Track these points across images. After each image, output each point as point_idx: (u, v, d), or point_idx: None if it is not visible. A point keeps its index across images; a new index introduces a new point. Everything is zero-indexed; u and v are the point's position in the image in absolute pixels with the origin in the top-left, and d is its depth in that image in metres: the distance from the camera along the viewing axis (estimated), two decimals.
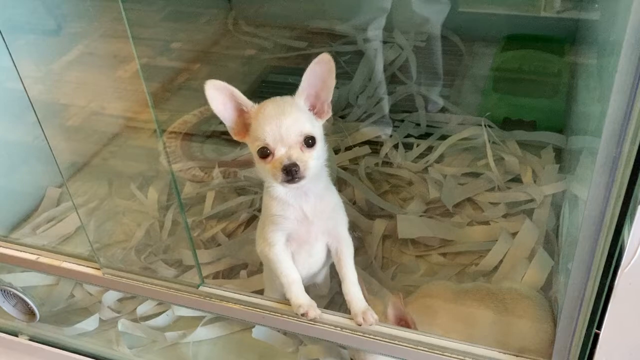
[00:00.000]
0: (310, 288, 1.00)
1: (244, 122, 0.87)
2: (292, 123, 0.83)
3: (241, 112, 0.87)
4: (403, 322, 0.91)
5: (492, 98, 1.63)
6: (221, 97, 0.87)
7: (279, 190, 0.90)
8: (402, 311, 0.91)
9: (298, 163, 0.82)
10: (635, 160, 0.55)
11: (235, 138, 0.89)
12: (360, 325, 0.88)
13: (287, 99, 0.88)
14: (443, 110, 1.67)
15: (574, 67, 1.67)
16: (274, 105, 0.86)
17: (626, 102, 0.53)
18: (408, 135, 1.60)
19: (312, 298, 0.92)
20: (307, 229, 0.93)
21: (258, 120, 0.84)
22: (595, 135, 1.10)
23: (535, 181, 1.40)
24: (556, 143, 1.50)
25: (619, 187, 0.57)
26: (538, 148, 1.50)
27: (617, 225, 0.59)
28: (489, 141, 1.46)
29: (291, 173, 0.82)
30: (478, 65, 1.88)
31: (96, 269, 1.01)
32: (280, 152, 0.83)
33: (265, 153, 0.84)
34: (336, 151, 1.53)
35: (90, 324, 1.19)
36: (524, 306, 1.03)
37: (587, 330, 0.69)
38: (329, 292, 1.11)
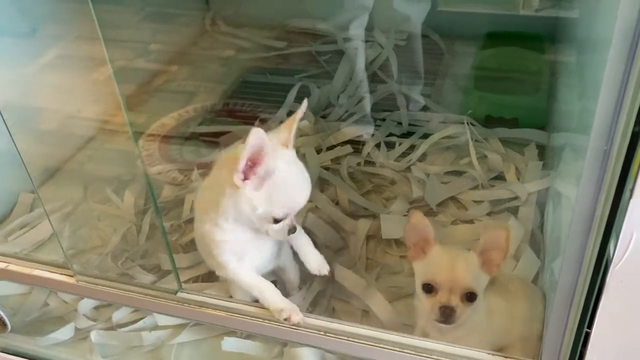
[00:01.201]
0: (282, 286, 0.99)
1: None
2: None
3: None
4: (423, 240, 0.90)
5: (474, 96, 1.62)
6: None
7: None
8: (423, 224, 0.90)
9: None
10: (627, 153, 0.53)
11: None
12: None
13: None
14: (425, 108, 1.66)
15: (555, 63, 1.67)
16: None
17: (616, 95, 0.52)
18: (390, 134, 1.58)
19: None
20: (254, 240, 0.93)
21: None
22: (579, 131, 1.09)
23: (518, 178, 1.39)
24: (539, 140, 1.49)
25: (610, 181, 0.55)
26: (521, 145, 1.49)
27: (608, 222, 0.58)
28: (472, 139, 1.45)
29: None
30: (459, 63, 1.87)
31: (69, 276, 0.97)
32: None
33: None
34: (318, 151, 1.51)
35: (65, 333, 1.15)
36: (528, 291, 1.03)
37: (577, 329, 0.67)
38: (300, 284, 1.11)
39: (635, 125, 0.51)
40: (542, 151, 1.47)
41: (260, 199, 0.84)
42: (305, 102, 0.90)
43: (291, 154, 0.89)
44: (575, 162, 1.08)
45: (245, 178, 0.83)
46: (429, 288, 0.87)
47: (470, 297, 0.85)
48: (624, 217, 0.56)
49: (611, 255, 0.60)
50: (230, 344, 1.06)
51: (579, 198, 0.58)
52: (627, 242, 0.57)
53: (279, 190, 0.84)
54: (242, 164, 0.81)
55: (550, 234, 1.17)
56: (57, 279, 0.97)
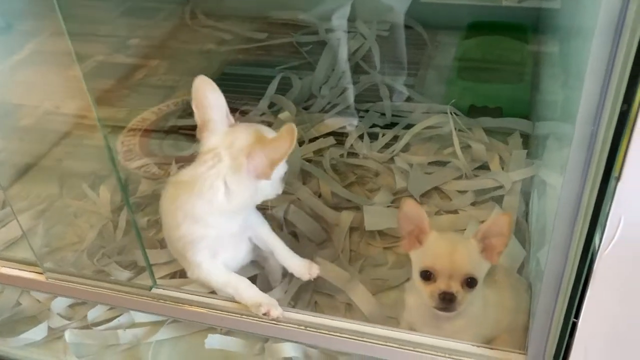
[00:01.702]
0: (264, 279, 0.96)
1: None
2: None
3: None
4: (418, 229, 0.87)
5: (457, 86, 1.60)
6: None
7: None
8: (417, 212, 0.87)
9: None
10: (614, 134, 0.51)
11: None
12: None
13: None
14: (408, 99, 1.64)
15: (539, 53, 1.66)
16: None
17: (603, 74, 0.49)
18: (373, 125, 1.56)
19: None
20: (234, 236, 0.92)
21: None
22: (563, 120, 1.07)
23: (503, 168, 1.38)
24: (523, 129, 1.48)
25: (597, 163, 0.52)
26: (505, 135, 1.48)
27: (595, 206, 0.55)
28: (455, 129, 1.43)
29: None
30: (442, 53, 1.85)
31: (39, 273, 0.93)
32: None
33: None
34: (300, 143, 1.48)
35: (38, 333, 1.11)
36: (514, 281, 1.02)
37: (564, 319, 0.64)
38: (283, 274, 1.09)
39: (622, 104, 0.49)
40: (526, 140, 1.45)
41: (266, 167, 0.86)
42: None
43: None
44: (560, 150, 1.06)
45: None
46: (427, 275, 0.84)
47: (470, 282, 0.82)
48: (611, 200, 0.53)
49: (599, 241, 0.57)
50: (213, 341, 1.03)
51: (565, 182, 0.55)
52: (615, 226, 0.54)
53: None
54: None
55: (536, 223, 1.15)
56: (26, 276, 0.93)
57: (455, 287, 0.82)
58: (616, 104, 0.49)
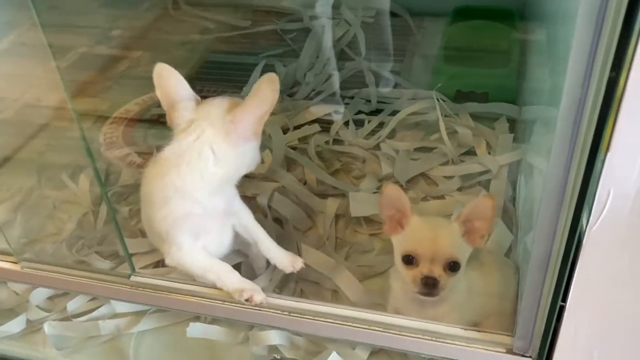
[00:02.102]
0: (249, 267, 0.94)
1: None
2: None
3: None
4: (399, 213, 0.85)
5: (443, 71, 1.58)
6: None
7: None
8: (399, 196, 0.85)
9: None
10: (603, 102, 0.49)
11: None
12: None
13: None
14: (394, 85, 1.62)
15: (524, 37, 1.64)
16: None
17: (590, 38, 0.47)
18: (359, 112, 1.54)
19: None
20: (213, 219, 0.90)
21: None
22: (550, 103, 1.06)
23: (489, 153, 1.36)
24: (509, 114, 1.46)
25: (586, 133, 0.51)
26: (491, 120, 1.47)
27: (583, 181, 0.53)
28: (442, 114, 1.41)
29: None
30: (428, 39, 1.84)
31: (14, 263, 0.90)
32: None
33: None
34: (285, 130, 1.46)
35: (15, 325, 1.07)
36: (501, 264, 1.01)
37: (552, 300, 0.63)
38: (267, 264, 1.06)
39: (611, 71, 0.47)
40: (513, 125, 1.44)
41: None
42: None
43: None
44: (547, 134, 1.05)
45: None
46: (409, 259, 0.82)
47: (453, 266, 0.81)
48: (600, 173, 0.52)
49: (587, 217, 0.56)
50: (195, 329, 1.00)
51: (553, 155, 0.53)
52: (604, 199, 0.53)
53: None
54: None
55: (523, 207, 1.14)
56: (1, 266, 0.90)
57: (438, 272, 0.80)
58: (604, 70, 0.47)
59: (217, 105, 0.88)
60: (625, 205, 0.53)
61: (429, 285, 0.79)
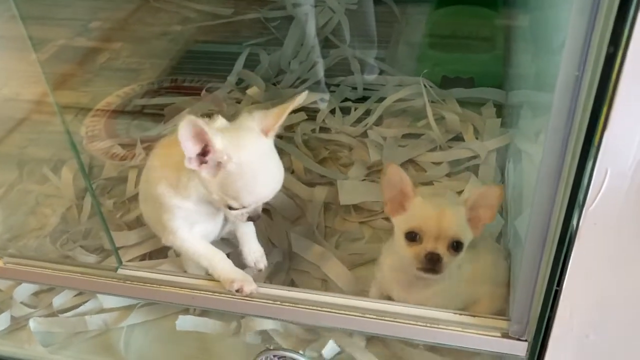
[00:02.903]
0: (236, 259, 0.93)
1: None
2: None
3: None
4: (401, 194, 0.84)
5: (429, 57, 1.57)
6: None
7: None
8: (400, 177, 0.84)
9: None
10: (600, 80, 0.48)
11: None
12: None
13: None
14: (380, 72, 1.60)
15: (509, 21, 1.64)
16: None
17: (588, 14, 0.46)
18: (345, 100, 1.52)
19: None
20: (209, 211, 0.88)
21: None
22: (537, 87, 1.05)
23: (477, 138, 1.36)
24: (496, 99, 1.46)
25: (582, 111, 0.50)
26: (478, 105, 1.46)
27: (579, 160, 0.53)
28: (428, 100, 1.40)
29: None
30: (412, 25, 1.83)
31: None
32: None
33: None
34: None
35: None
36: (493, 248, 1.00)
37: (548, 284, 0.62)
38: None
39: (609, 46, 0.46)
40: (500, 110, 1.43)
41: (214, 185, 0.79)
42: (304, 94, 0.85)
43: (266, 143, 0.82)
44: (534, 118, 1.04)
45: (201, 162, 0.78)
46: (412, 236, 0.81)
47: (456, 246, 0.80)
48: (597, 152, 0.51)
49: (583, 197, 0.55)
50: (185, 322, 0.99)
51: (549, 134, 0.52)
52: (601, 178, 0.52)
53: (234, 181, 0.78)
54: (186, 152, 0.76)
55: (512, 192, 1.14)
56: None
57: (442, 249, 0.79)
58: (602, 47, 0.46)
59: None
60: (622, 184, 0.52)
61: (432, 262, 0.78)
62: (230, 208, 0.81)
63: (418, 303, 0.82)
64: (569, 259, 0.59)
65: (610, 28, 0.45)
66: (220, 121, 0.84)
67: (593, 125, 0.50)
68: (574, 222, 0.57)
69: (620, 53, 0.46)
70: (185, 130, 0.75)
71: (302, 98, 0.84)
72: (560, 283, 0.62)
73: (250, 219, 0.84)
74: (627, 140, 0.50)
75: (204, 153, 0.78)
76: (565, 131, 0.51)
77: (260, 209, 0.85)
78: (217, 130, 0.79)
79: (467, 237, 0.82)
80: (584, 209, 0.55)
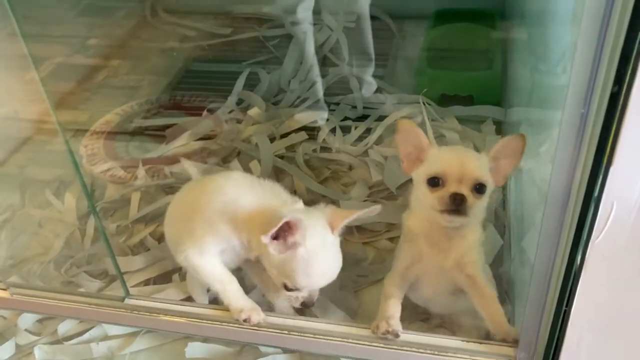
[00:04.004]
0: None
1: None
2: None
3: None
4: (417, 149, 0.85)
5: (427, 75, 1.59)
6: None
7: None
8: (414, 131, 0.84)
9: None
10: (605, 117, 0.49)
11: None
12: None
13: None
14: (379, 90, 1.61)
15: (506, 39, 1.65)
16: None
17: (593, 54, 0.47)
18: (345, 118, 1.53)
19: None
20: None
21: None
22: (536, 104, 1.06)
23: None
24: (495, 116, 1.47)
25: (588, 148, 0.50)
26: (477, 122, 1.47)
27: (586, 193, 0.53)
28: (428, 118, 1.41)
29: None
30: (410, 43, 1.84)
31: (2, 289, 0.87)
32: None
33: None
34: (271, 139, 1.44)
35: (4, 351, 1.04)
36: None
37: (556, 310, 0.63)
38: None
39: (613, 86, 0.47)
40: (499, 127, 1.44)
41: (277, 261, 0.83)
42: (376, 208, 0.88)
43: (332, 238, 0.88)
44: (534, 135, 1.05)
45: (275, 238, 0.81)
46: (435, 182, 0.81)
47: (479, 188, 0.80)
48: (603, 186, 0.52)
49: (590, 229, 0.56)
50: (194, 349, 0.99)
51: (555, 169, 0.53)
52: (607, 212, 0.53)
53: (297, 263, 0.82)
54: (272, 231, 0.79)
55: (514, 212, 1.14)
56: None
57: (465, 190, 0.79)
58: (607, 85, 0.47)
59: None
60: (628, 217, 0.53)
61: (457, 202, 0.78)
62: (286, 287, 0.84)
63: (448, 258, 0.83)
64: (576, 288, 0.60)
65: (614, 68, 0.46)
66: (299, 204, 0.89)
67: (599, 160, 0.51)
68: (580, 254, 0.57)
69: (624, 91, 0.47)
70: (293, 222, 0.79)
71: (375, 209, 0.88)
72: (567, 310, 0.63)
73: (304, 304, 0.86)
74: (632, 176, 0.50)
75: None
76: (572, 165, 0.52)
77: (316, 297, 0.87)
78: (298, 211, 0.84)
79: (489, 182, 0.82)
80: (591, 240, 0.55)
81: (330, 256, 0.87)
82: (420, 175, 0.85)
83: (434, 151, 0.84)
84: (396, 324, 0.82)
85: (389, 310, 0.85)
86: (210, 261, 0.88)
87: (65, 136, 1.05)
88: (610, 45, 0.46)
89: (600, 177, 0.52)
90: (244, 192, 0.90)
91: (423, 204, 0.84)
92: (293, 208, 0.86)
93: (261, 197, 0.88)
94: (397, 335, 0.80)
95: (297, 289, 0.84)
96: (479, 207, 0.81)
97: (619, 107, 0.47)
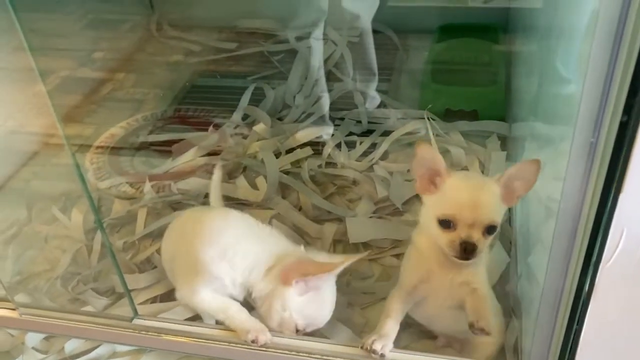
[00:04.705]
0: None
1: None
2: None
3: None
4: (433, 172, 0.83)
5: (432, 90, 1.59)
6: None
7: None
8: (432, 155, 0.83)
9: None
10: (615, 145, 0.49)
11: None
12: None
13: None
14: (384, 105, 1.62)
15: (511, 53, 1.66)
16: None
17: (602, 84, 0.47)
18: (350, 134, 1.54)
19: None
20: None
21: None
22: (542, 120, 1.07)
23: (482, 171, 1.37)
24: (500, 131, 1.47)
25: (597, 176, 0.51)
26: (482, 138, 1.47)
27: (595, 219, 0.54)
28: (433, 134, 1.41)
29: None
30: (414, 57, 1.85)
31: (11, 309, 0.88)
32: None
33: None
34: (277, 154, 1.45)
35: None
36: None
37: (566, 331, 0.63)
38: None
39: (622, 115, 0.47)
40: (504, 142, 1.45)
41: (296, 304, 0.86)
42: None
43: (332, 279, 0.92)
44: (539, 150, 1.05)
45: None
46: (447, 224, 0.80)
47: (490, 230, 0.80)
48: (613, 212, 0.52)
49: (600, 254, 0.56)
50: None
51: (564, 194, 0.53)
52: (617, 238, 0.53)
53: (314, 304, 0.88)
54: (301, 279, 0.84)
55: (520, 228, 1.14)
56: None
57: (477, 236, 0.78)
58: (616, 115, 0.47)
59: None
60: (638, 244, 0.53)
61: (468, 251, 0.78)
62: (297, 329, 0.87)
63: (457, 277, 0.84)
64: (586, 311, 0.60)
65: (623, 98, 0.46)
66: (301, 248, 0.94)
67: (608, 187, 0.51)
68: (590, 278, 0.57)
69: (633, 121, 0.47)
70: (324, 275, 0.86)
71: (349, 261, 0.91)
72: (577, 332, 0.63)
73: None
74: None
75: None
76: (581, 192, 0.52)
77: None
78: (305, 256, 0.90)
79: (501, 216, 0.81)
80: (601, 265, 0.55)
81: (334, 295, 0.93)
82: (432, 205, 0.84)
83: (450, 182, 0.82)
84: (385, 345, 0.82)
85: (384, 329, 0.85)
86: (205, 297, 0.89)
87: (72, 151, 1.06)
88: (619, 75, 0.46)
89: (610, 204, 0.52)
90: (244, 236, 0.92)
91: (433, 237, 0.84)
92: (299, 253, 0.92)
93: (261, 242, 0.91)
94: (382, 356, 0.80)
95: (304, 329, 0.87)
96: (489, 243, 0.82)
97: (628, 137, 0.48)
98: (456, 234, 0.79)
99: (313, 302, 0.86)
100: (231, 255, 0.88)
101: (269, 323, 0.87)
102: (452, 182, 0.82)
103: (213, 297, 0.89)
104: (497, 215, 0.80)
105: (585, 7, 0.57)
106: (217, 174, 1.14)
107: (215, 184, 1.13)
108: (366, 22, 1.74)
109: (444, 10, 1.89)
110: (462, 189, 0.82)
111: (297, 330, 0.87)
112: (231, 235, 0.92)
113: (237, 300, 0.91)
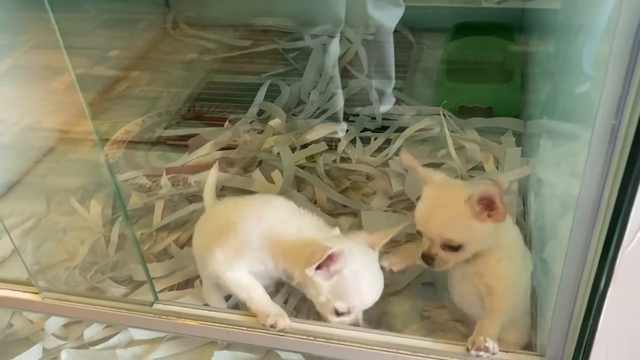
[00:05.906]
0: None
1: None
2: None
3: None
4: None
5: (446, 87, 1.60)
6: None
7: None
8: (412, 165, 0.87)
9: None
10: (637, 128, 0.50)
11: None
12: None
13: None
14: (398, 102, 1.63)
15: (526, 51, 1.66)
16: None
17: (624, 72, 0.48)
18: (364, 130, 1.54)
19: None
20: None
21: None
22: (557, 117, 1.07)
23: (497, 167, 1.37)
24: (515, 128, 1.48)
25: (619, 160, 0.51)
26: (497, 134, 1.47)
27: (616, 204, 0.54)
28: (448, 130, 1.42)
29: None
30: (429, 55, 1.86)
31: (34, 293, 0.89)
32: None
33: None
34: (292, 149, 1.46)
35: (32, 355, 1.06)
36: None
37: (583, 320, 0.63)
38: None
39: None
40: (519, 139, 1.45)
41: (325, 288, 0.85)
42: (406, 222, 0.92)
43: (372, 255, 0.90)
44: (555, 147, 1.05)
45: (318, 267, 0.83)
46: (419, 233, 0.85)
47: (451, 247, 0.82)
48: (634, 197, 0.52)
49: (619, 240, 0.56)
50: (220, 357, 1.00)
51: (584, 179, 0.54)
52: (638, 223, 0.53)
53: (346, 285, 0.85)
54: (316, 264, 0.81)
55: (535, 222, 1.15)
56: (21, 297, 0.90)
57: (435, 250, 0.82)
58: (638, 98, 0.48)
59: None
60: None
61: (427, 262, 0.83)
62: (337, 312, 0.86)
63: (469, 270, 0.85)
64: (605, 298, 0.60)
65: None
66: (335, 230, 0.93)
67: (630, 170, 0.51)
68: (609, 264, 0.58)
69: None
70: (336, 256, 0.82)
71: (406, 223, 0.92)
72: (595, 321, 0.63)
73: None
74: None
75: None
76: (602, 176, 0.53)
77: (361, 318, 0.89)
78: (335, 239, 0.87)
79: (469, 234, 0.81)
80: (621, 250, 0.56)
81: (375, 271, 0.89)
82: None
83: (424, 191, 0.86)
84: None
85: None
86: (237, 273, 0.90)
87: (96, 146, 1.07)
88: None
89: (630, 188, 0.52)
90: (285, 221, 0.92)
91: None
92: (331, 236, 0.90)
93: (302, 228, 0.91)
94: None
95: (346, 313, 0.85)
96: (459, 259, 0.83)
97: None
98: (420, 245, 0.84)
99: (346, 283, 0.84)
100: (274, 237, 0.88)
101: (317, 309, 0.87)
102: (425, 194, 0.86)
103: (243, 275, 0.90)
104: (456, 234, 0.81)
105: (605, 5, 0.58)
106: (214, 172, 1.14)
107: (210, 181, 1.13)
108: (389, 29, 1.75)
109: (458, 10, 1.90)
110: (426, 203, 0.85)
111: (342, 313, 0.85)
112: (276, 218, 0.93)
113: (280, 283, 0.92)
